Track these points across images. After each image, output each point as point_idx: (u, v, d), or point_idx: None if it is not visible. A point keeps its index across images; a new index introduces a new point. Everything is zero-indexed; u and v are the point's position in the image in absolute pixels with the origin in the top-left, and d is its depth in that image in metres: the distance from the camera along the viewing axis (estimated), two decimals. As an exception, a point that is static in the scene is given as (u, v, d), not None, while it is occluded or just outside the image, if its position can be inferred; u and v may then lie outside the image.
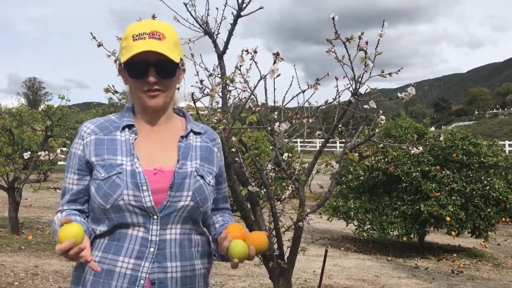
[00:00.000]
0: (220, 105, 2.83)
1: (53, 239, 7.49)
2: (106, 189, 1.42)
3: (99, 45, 2.74)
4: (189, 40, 2.81)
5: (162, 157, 1.51)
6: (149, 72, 1.46)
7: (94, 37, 2.74)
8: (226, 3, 2.64)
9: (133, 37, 1.46)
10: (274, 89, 2.61)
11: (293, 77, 2.58)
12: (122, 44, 1.51)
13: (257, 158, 2.89)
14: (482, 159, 7.32)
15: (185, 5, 2.74)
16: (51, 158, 2.69)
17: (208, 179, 1.54)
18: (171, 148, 1.54)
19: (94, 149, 1.49)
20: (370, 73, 2.35)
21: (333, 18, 2.27)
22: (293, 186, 2.86)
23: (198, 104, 2.44)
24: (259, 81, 2.47)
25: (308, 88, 2.54)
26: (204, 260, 1.57)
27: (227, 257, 1.47)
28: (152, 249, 1.43)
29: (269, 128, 2.61)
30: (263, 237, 1.48)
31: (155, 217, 1.44)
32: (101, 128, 1.53)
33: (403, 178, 7.43)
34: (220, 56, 2.80)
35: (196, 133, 1.60)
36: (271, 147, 9.81)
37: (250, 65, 2.49)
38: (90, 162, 1.48)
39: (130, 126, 1.53)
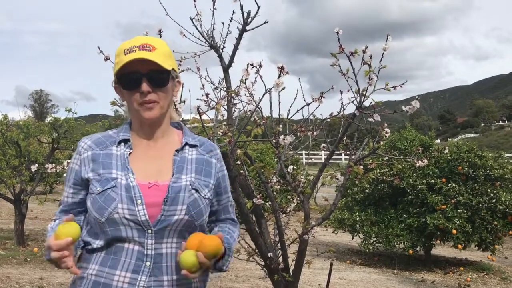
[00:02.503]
0: (225, 118, 2.85)
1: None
2: (101, 203, 1.44)
3: (106, 59, 2.77)
4: (195, 54, 2.85)
5: (158, 171, 1.53)
6: (142, 81, 1.49)
7: (101, 51, 2.77)
8: (231, 18, 2.67)
9: (124, 51, 1.50)
10: (279, 102, 2.63)
11: (298, 90, 2.60)
12: (115, 60, 1.55)
13: (262, 170, 2.90)
14: (488, 171, 7.28)
15: (191, 20, 2.78)
16: (57, 171, 2.71)
17: (204, 192, 1.55)
18: (167, 162, 1.55)
19: (91, 164, 1.52)
20: (375, 86, 2.37)
21: (337, 32, 2.29)
22: (298, 198, 2.86)
23: (204, 117, 2.45)
24: (264, 94, 2.49)
25: (313, 101, 2.56)
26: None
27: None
28: (148, 263, 1.44)
29: (274, 141, 2.62)
30: (214, 241, 1.43)
31: (149, 231, 1.45)
32: (98, 144, 1.56)
33: (408, 190, 7.40)
34: (226, 69, 2.82)
35: (191, 146, 1.62)
36: (276, 160, 9.81)
37: (255, 78, 2.52)
38: (86, 178, 1.51)
39: (125, 141, 1.56)
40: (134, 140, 1.57)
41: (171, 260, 1.47)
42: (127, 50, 1.49)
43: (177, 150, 1.58)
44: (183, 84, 1.70)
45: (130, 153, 1.54)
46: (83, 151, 1.55)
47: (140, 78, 1.48)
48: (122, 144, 1.55)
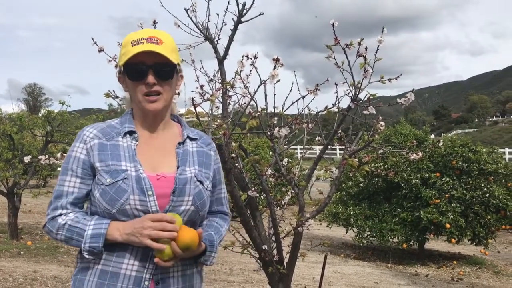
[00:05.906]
0: (220, 111, 2.84)
1: (52, 244, 7.47)
2: (113, 194, 1.46)
3: (100, 50, 2.75)
4: (190, 45, 2.83)
5: (163, 163, 1.56)
6: (148, 73, 1.51)
7: (95, 42, 2.75)
8: (226, 9, 2.66)
9: (131, 43, 1.51)
10: (274, 94, 2.61)
11: (293, 83, 2.59)
12: (122, 51, 1.56)
13: (257, 163, 2.89)
14: (481, 166, 7.32)
15: (186, 11, 2.76)
16: (51, 163, 2.70)
17: (206, 184, 1.60)
18: (170, 154, 1.58)
19: (98, 154, 1.51)
20: (370, 79, 2.36)
21: (333, 24, 2.28)
22: (293, 191, 2.86)
23: (198, 109, 2.44)
24: (259, 86, 2.47)
25: (308, 94, 2.54)
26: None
27: None
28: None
29: (269, 133, 2.61)
30: (189, 234, 1.46)
31: None
32: (104, 133, 1.56)
33: (402, 185, 7.43)
34: (221, 61, 2.81)
35: (192, 139, 1.66)
36: (270, 153, 9.81)
37: (250, 70, 2.50)
38: (94, 167, 1.50)
39: (131, 133, 1.57)
40: (137, 131, 1.59)
41: None
42: (134, 41, 1.51)
43: (180, 143, 1.61)
44: None
45: (136, 145, 1.55)
46: (89, 140, 1.53)
47: (146, 70, 1.51)
48: (128, 135, 1.56)
